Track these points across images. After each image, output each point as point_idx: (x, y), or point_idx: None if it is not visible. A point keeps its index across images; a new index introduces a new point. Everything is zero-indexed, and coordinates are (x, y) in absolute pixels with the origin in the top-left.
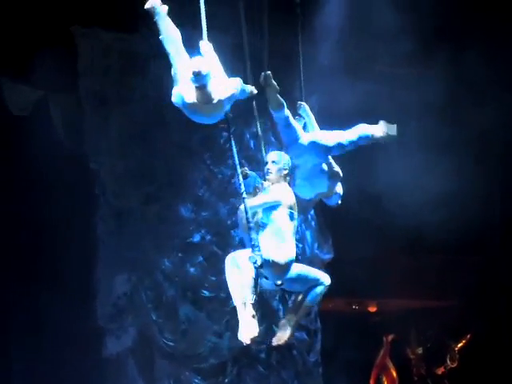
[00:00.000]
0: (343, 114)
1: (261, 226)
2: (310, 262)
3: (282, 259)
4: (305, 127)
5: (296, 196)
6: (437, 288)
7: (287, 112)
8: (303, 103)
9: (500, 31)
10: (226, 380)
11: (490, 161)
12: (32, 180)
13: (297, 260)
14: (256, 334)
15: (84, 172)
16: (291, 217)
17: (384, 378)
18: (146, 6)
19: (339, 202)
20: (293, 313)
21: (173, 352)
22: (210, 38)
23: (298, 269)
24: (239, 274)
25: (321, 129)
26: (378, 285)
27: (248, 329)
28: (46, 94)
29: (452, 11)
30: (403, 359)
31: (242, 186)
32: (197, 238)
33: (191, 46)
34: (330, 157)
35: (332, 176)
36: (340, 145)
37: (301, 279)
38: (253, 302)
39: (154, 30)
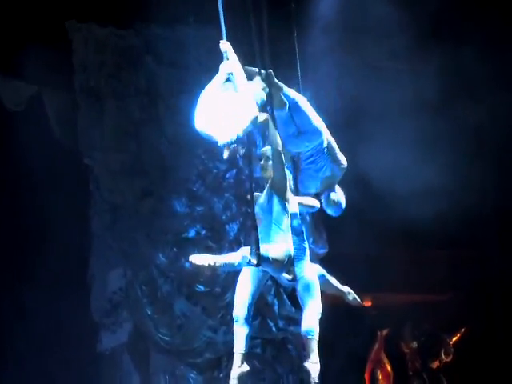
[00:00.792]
0: (338, 110)
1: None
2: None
3: (279, 255)
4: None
5: (302, 193)
6: (432, 282)
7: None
8: (270, 71)
9: (497, 27)
10: (221, 374)
11: (486, 155)
12: (26, 175)
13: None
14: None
15: (78, 167)
16: (285, 209)
17: (379, 373)
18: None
19: (340, 213)
20: None
21: (168, 347)
22: (206, 35)
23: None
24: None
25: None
26: (373, 279)
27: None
28: (40, 90)
29: (448, 5)
30: (398, 353)
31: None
32: (192, 233)
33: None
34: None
35: (334, 161)
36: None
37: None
38: (243, 352)
39: (147, 25)
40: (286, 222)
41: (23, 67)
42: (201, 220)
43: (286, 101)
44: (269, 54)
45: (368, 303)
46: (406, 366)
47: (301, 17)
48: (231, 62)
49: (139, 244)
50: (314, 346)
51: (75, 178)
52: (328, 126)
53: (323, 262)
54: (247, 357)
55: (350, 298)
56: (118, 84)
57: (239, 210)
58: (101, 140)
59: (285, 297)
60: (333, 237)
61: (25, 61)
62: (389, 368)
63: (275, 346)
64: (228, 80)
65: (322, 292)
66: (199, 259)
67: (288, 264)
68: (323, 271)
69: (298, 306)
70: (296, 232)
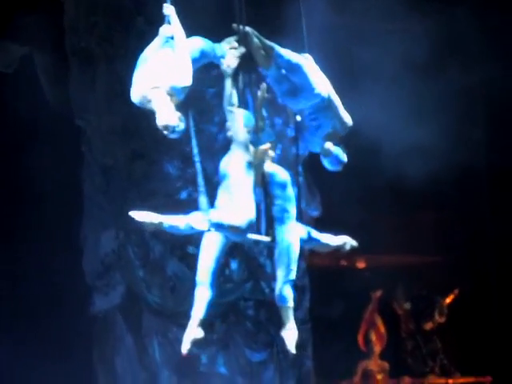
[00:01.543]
0: (327, 70)
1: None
2: (298, 219)
3: (235, 221)
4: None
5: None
6: (424, 243)
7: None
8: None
9: None
10: (214, 337)
11: (477, 115)
12: (17, 137)
13: None
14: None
15: (70, 129)
16: (246, 171)
17: (372, 334)
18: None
19: (339, 167)
20: None
21: (161, 309)
22: None
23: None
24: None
25: None
26: (366, 241)
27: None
28: (31, 51)
29: None
30: (391, 315)
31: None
32: (184, 195)
33: None
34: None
35: (336, 117)
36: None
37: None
38: (202, 317)
39: None
40: (247, 184)
41: (14, 29)
42: (193, 182)
43: (274, 60)
44: (248, 13)
45: (361, 265)
46: (399, 328)
47: None
48: (172, 26)
49: (131, 206)
50: (290, 313)
51: (67, 140)
52: None
53: (317, 223)
54: (204, 323)
55: (348, 247)
56: (110, 46)
57: None
58: (93, 102)
59: None
60: (325, 199)
61: (15, 22)
62: (382, 329)
63: (268, 307)
64: (167, 43)
65: (316, 254)
66: (142, 216)
67: (248, 229)
68: (313, 233)
69: None
70: (277, 194)
